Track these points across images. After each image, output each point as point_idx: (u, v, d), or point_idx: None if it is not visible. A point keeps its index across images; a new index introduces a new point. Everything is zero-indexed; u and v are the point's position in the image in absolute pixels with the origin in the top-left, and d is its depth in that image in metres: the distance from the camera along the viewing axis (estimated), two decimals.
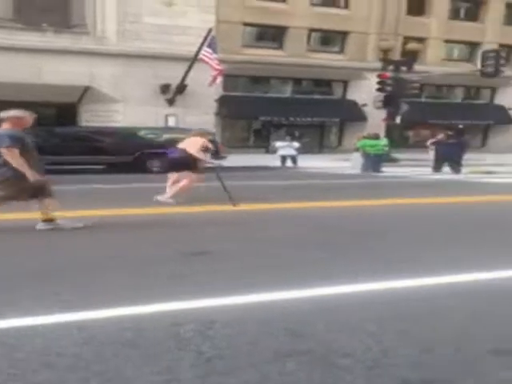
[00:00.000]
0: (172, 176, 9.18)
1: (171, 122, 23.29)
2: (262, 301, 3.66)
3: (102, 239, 6.00)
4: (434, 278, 4.23)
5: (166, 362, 2.62)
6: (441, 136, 19.13)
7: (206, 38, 21.48)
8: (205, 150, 8.93)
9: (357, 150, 19.78)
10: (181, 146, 9.08)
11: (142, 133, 18.62)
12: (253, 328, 3.15)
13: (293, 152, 20.95)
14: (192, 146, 8.79)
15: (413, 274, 4.31)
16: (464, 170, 18.07)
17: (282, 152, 20.99)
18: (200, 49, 21.57)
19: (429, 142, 19.29)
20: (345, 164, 20.41)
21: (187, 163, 8.72)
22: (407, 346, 2.91)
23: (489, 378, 2.55)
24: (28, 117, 6.35)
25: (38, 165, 6.24)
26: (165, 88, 23.52)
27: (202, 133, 9.46)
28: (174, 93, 23.47)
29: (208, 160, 9.41)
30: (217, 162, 9.18)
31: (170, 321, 3.17)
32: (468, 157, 19.44)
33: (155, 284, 4.07)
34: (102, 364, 2.60)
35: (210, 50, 21.59)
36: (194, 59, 21.80)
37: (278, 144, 21.38)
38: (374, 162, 18.75)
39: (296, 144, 21.22)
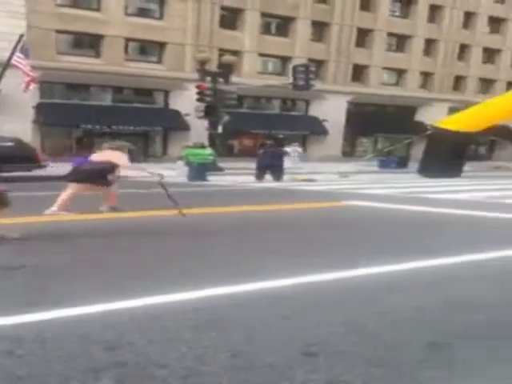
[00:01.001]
0: (73, 187, 8.93)
1: None
2: (79, 314, 3.69)
3: None
4: (253, 284, 4.57)
5: None
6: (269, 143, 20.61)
7: (17, 44, 20.48)
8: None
9: (180, 158, 20.30)
10: (99, 157, 9.03)
11: None
12: (68, 343, 3.13)
13: None
14: (117, 157, 8.84)
15: (231, 281, 4.63)
16: (285, 177, 19.34)
17: None
18: (12, 54, 20.49)
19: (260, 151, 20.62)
20: (171, 173, 20.82)
21: (104, 175, 8.79)
22: (221, 351, 3.08)
23: (299, 379, 2.79)
24: None
25: None
26: None
27: (121, 146, 9.29)
28: None
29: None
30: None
31: None
32: (288, 165, 20.98)
33: None
34: None
35: (22, 56, 20.62)
36: (6, 65, 20.58)
37: None
38: (199, 170, 19.41)
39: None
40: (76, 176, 9.19)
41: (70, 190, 9.02)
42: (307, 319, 3.71)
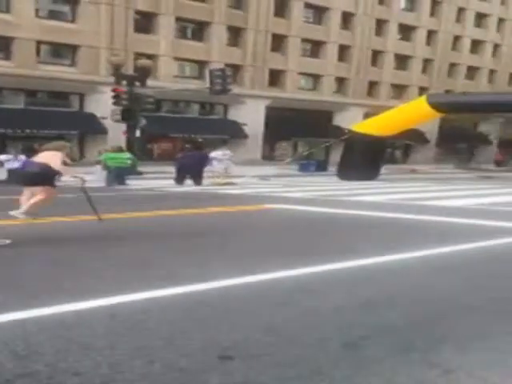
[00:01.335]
0: (28, 190, 8.68)
1: None
2: None
3: None
4: (167, 289, 4.57)
5: None
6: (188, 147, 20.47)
7: None
8: (64, 163, 8.34)
9: (98, 162, 19.84)
10: (38, 159, 8.64)
11: None
12: None
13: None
14: (52, 159, 8.28)
15: (144, 286, 4.63)
16: (205, 181, 19.35)
17: (8, 166, 19.90)
18: None
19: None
20: (90, 177, 20.27)
21: (46, 177, 8.43)
22: (137, 358, 3.07)
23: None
24: None
25: None
26: None
27: (59, 146, 8.76)
28: None
29: (71, 174, 8.79)
30: (80, 176, 8.57)
31: None
32: (209, 168, 21.01)
33: None
34: None
35: None
36: None
37: (2, 157, 20.30)
38: (118, 175, 19.07)
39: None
40: (20, 178, 9.01)
41: (26, 192, 8.82)
42: (224, 323, 3.76)
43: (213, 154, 21.72)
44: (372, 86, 43.79)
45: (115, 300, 4.21)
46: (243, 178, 21.49)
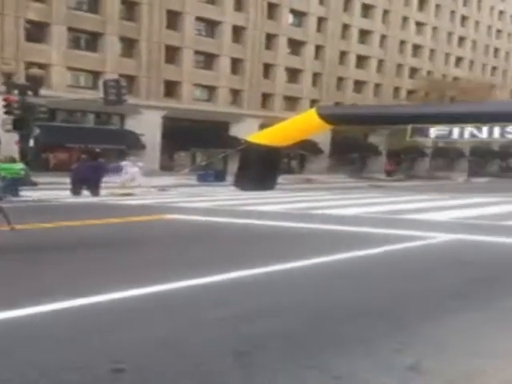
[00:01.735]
0: None
1: None
2: None
3: None
4: (57, 303, 4.58)
5: None
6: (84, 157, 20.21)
7: None
8: None
9: None
10: None
11: None
12: None
13: None
14: None
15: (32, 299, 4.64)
16: (103, 192, 19.13)
17: None
18: None
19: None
20: None
21: None
22: (28, 371, 3.14)
23: None
24: None
25: None
26: None
27: None
28: None
29: None
30: None
31: None
32: (107, 179, 21.01)
33: None
34: None
35: None
36: None
37: None
38: (10, 185, 18.42)
39: None
40: None
41: None
42: (115, 336, 3.81)
43: (123, 164, 21.67)
44: (266, 98, 45.66)
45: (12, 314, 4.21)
46: (141, 189, 21.49)
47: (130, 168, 21.74)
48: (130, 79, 35.15)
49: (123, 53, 37.24)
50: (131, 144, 36.36)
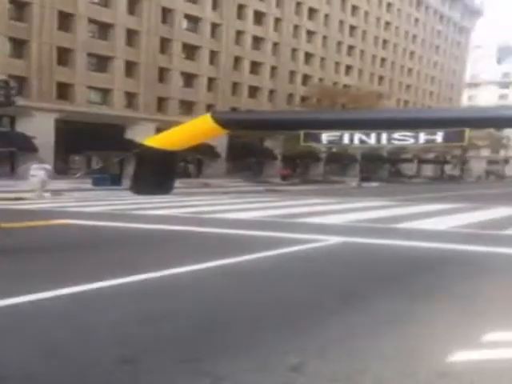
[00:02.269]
0: None
1: None
2: None
3: None
4: None
5: None
6: None
7: None
8: None
9: None
10: None
11: None
12: None
13: None
14: None
15: None
16: None
17: None
18: None
19: None
20: None
21: None
22: None
23: None
24: None
25: None
26: None
27: None
28: None
29: None
30: None
31: None
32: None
33: None
34: None
35: None
36: None
37: None
38: None
39: None
40: None
41: None
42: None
43: (33, 166, 21.20)
44: (162, 102, 46.46)
45: None
46: (34, 193, 20.93)
47: (38, 171, 21.31)
48: (21, 80, 34.70)
49: (13, 53, 36.78)
50: (22, 146, 35.87)
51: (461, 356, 3.65)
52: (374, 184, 46.37)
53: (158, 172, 23.16)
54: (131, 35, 43.54)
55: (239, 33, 52.68)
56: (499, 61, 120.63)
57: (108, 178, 30.19)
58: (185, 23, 48.38)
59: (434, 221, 13.21)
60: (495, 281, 6.41)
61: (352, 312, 4.83)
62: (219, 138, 42.10)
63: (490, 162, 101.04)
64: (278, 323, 4.46)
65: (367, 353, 3.72)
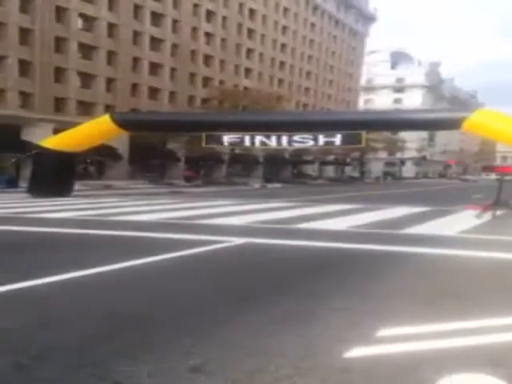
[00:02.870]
0: None
1: None
2: None
3: None
4: None
5: None
6: None
7: None
8: None
9: None
10: None
11: None
12: None
13: None
14: None
15: None
16: None
17: None
18: None
19: None
20: None
21: None
22: None
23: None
24: None
25: None
26: None
27: None
28: None
29: None
30: None
31: None
32: None
33: None
34: None
35: None
36: None
37: None
38: None
39: None
40: None
41: None
42: None
43: None
44: (59, 102, 46.00)
45: None
46: None
47: None
48: None
49: None
50: None
51: (357, 352, 3.86)
52: (278, 185, 47.69)
53: (57, 174, 23.10)
54: (24, 34, 42.77)
55: (137, 33, 52.93)
56: (393, 65, 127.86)
57: (3, 181, 29.58)
58: (80, 22, 48.04)
59: (335, 221, 13.76)
60: (391, 279, 6.72)
61: (252, 312, 4.96)
62: (121, 140, 42.17)
63: (388, 163, 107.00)
64: (178, 324, 4.58)
65: (267, 351, 3.86)
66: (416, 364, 3.61)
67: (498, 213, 15.12)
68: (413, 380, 3.38)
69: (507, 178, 17.50)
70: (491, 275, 7.01)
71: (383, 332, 4.32)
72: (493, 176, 52.14)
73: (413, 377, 3.42)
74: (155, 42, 55.18)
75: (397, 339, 4.14)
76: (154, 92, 55.19)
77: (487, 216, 14.63)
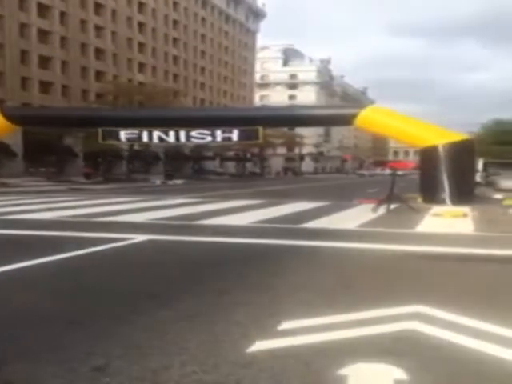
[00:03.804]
0: None
1: None
2: None
3: None
4: None
5: None
6: None
7: None
8: None
9: None
10: None
11: None
12: None
13: None
14: None
15: None
16: None
17: None
18: None
19: None
20: None
21: None
22: None
23: None
24: None
25: None
26: None
27: None
28: None
29: None
30: None
31: None
32: None
33: None
34: None
35: None
36: None
37: None
38: None
39: None
40: None
41: None
42: None
43: None
44: None
45: None
46: None
47: None
48: None
49: None
50: None
51: (261, 345, 3.96)
52: (179, 181, 47.87)
53: None
54: None
55: (23, 25, 52.09)
56: (285, 62, 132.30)
57: None
58: None
59: (238, 216, 13.90)
60: (292, 272, 6.85)
61: (157, 310, 4.96)
62: (13, 136, 41.20)
63: (288, 159, 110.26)
64: (81, 324, 4.53)
65: (171, 349, 3.90)
66: (315, 355, 3.80)
67: (392, 206, 15.76)
68: (314, 371, 3.55)
69: (399, 172, 18.87)
70: (385, 267, 7.32)
71: (285, 325, 4.47)
72: (387, 171, 55.42)
73: (314, 368, 3.59)
74: (43, 35, 54.47)
75: (297, 332, 4.29)
76: (45, 86, 54.42)
77: (382, 210, 15.27)
